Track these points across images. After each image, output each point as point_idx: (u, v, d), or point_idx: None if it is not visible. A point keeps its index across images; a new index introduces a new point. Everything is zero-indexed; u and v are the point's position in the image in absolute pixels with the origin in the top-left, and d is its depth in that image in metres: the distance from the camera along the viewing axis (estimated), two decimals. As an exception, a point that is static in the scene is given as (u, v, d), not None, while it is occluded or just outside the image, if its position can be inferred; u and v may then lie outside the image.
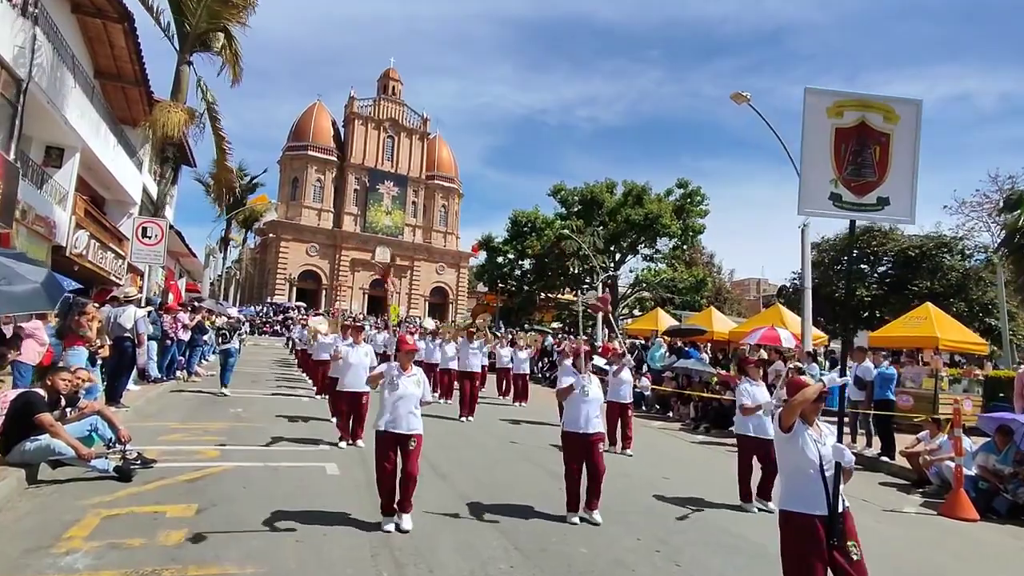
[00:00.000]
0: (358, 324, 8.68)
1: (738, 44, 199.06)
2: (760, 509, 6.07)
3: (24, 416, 5.28)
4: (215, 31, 13.54)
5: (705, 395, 12.65)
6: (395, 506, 4.74)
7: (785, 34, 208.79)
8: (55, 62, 12.50)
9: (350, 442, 7.56)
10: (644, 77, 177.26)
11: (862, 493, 7.61)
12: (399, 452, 4.78)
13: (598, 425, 5.40)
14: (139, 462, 5.80)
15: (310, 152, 58.58)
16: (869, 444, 9.93)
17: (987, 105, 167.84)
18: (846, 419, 9.04)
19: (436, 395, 13.62)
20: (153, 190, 21.08)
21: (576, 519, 5.19)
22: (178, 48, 13.78)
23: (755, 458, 6.16)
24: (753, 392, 6.40)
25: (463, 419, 10.60)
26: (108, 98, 17.49)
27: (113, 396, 8.45)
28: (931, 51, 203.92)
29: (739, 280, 77.09)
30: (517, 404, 13.07)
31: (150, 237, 11.34)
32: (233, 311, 21.10)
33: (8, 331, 6.47)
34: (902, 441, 9.39)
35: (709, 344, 17.82)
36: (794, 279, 31.49)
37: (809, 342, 12.29)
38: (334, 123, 61.60)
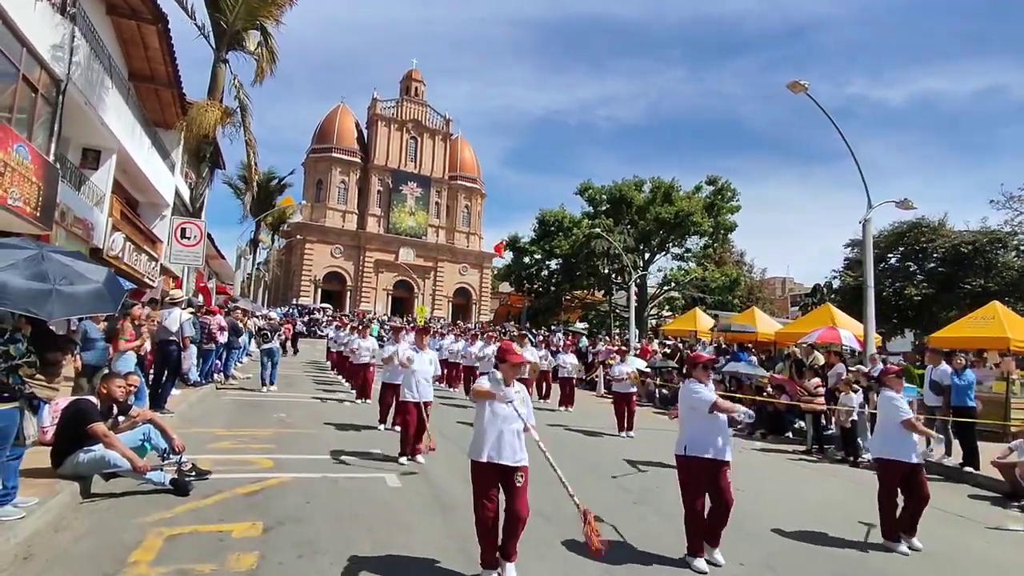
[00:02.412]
0: (424, 327, 8.06)
1: (758, 42, 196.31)
2: (910, 548, 5.10)
3: (77, 425, 4.97)
4: (251, 29, 13.32)
5: (759, 399, 12.07)
6: (497, 553, 3.82)
7: (807, 31, 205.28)
8: (92, 63, 12.39)
9: (410, 457, 6.95)
10: (663, 76, 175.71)
11: (954, 507, 7.04)
12: (501, 488, 3.84)
13: (729, 450, 4.48)
14: (194, 474, 5.48)
15: (334, 154, 58.72)
16: (948, 453, 9.29)
17: (1021, 98, 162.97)
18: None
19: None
20: (185, 192, 21.09)
21: (703, 564, 4.30)
22: (214, 46, 13.58)
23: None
24: (905, 406, 5.43)
25: None
26: (141, 100, 17.46)
27: (158, 401, 8.19)
28: (959, 45, 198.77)
29: (765, 279, 75.55)
30: (563, 409, 12.53)
31: (189, 238, 11.14)
32: (274, 313, 20.93)
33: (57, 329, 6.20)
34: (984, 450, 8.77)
35: (751, 344, 17.19)
36: (833, 276, 30.62)
37: (872, 344, 11.64)
38: (357, 125, 61.69)
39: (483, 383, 4.01)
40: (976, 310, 16.94)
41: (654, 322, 39.04)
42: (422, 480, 6.22)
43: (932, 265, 23.73)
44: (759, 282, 51.22)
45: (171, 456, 5.47)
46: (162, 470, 5.19)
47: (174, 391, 9.96)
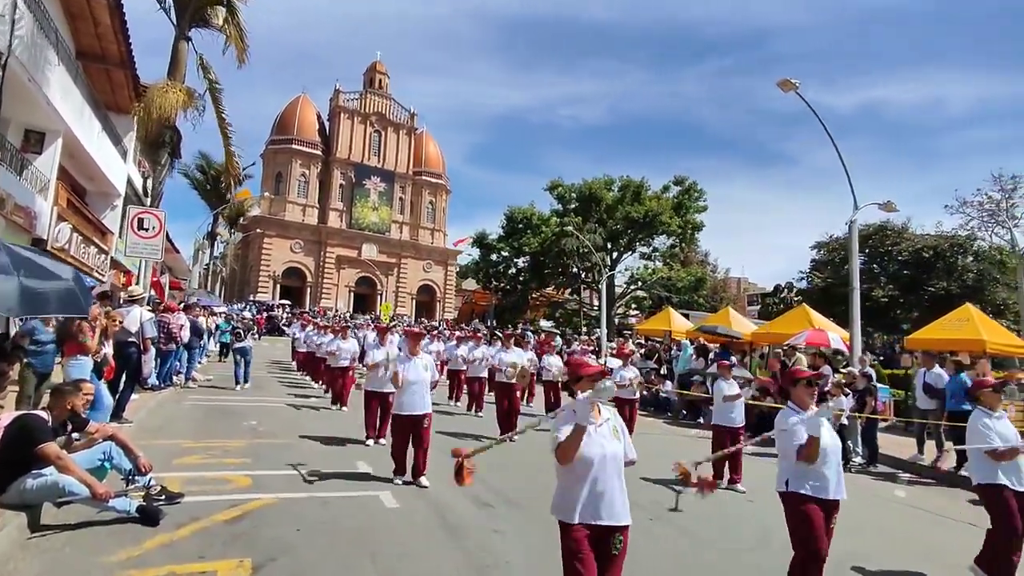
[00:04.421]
0: (416, 330, 6.90)
1: (723, 46, 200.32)
2: None
3: (24, 446, 4.23)
4: (215, 5, 12.36)
5: (747, 402, 11.87)
6: None
7: (769, 36, 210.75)
8: (37, 37, 11.28)
9: (409, 479, 6.14)
10: (629, 77, 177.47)
11: (962, 515, 6.93)
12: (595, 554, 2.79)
13: (843, 487, 3.62)
14: (164, 497, 4.81)
15: (294, 146, 56.84)
16: (939, 456, 9.23)
17: (960, 109, 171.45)
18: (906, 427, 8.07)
19: (453, 401, 12.62)
20: (138, 181, 19.76)
21: None
22: (175, 22, 12.57)
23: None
24: (996, 426, 4.47)
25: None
26: (91, 81, 16.17)
27: (116, 409, 7.35)
28: (909, 55, 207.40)
29: (727, 279, 76.68)
30: (551, 415, 11.87)
31: (147, 229, 10.20)
32: (247, 312, 19.80)
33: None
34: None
35: (719, 345, 17.11)
36: (800, 277, 31.16)
37: (858, 346, 11.60)
38: (319, 116, 59.95)
39: (563, 429, 2.81)
40: (938, 312, 17.29)
41: (616, 320, 39.08)
42: (420, 498, 5.66)
43: (896, 268, 24.33)
44: (722, 282, 52.10)
45: (137, 478, 4.77)
46: (127, 495, 4.50)
47: (133, 396, 9.13)
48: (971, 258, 23.79)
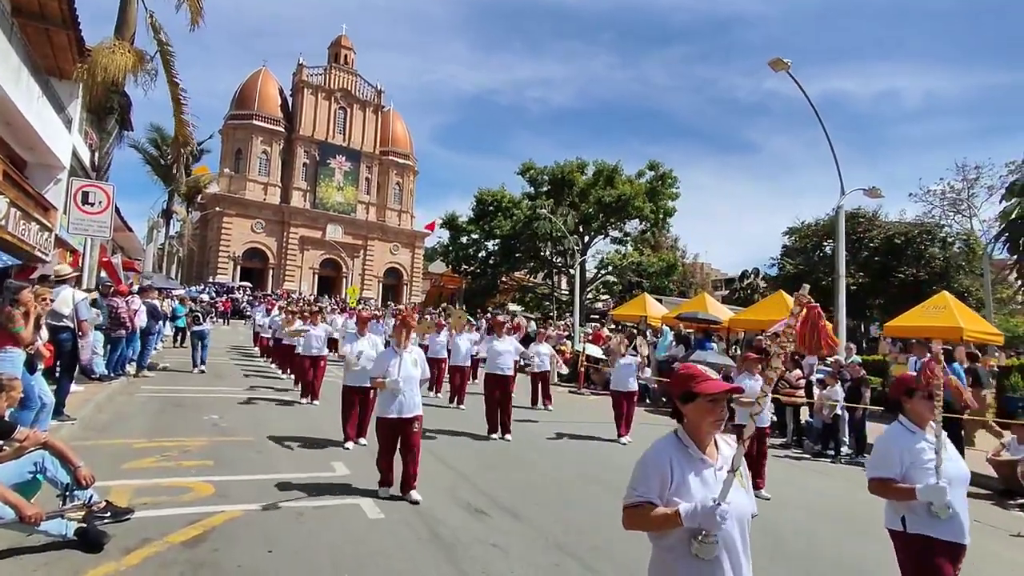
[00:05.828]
0: (411, 322, 5.75)
1: (687, 32, 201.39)
2: None
3: (-67, 460, 3.51)
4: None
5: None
6: None
7: (733, 25, 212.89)
8: (-37, -14, 10.08)
9: (396, 492, 5.28)
10: (596, 61, 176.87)
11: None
12: None
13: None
14: (108, 514, 4.11)
15: (255, 121, 54.57)
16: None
17: (913, 102, 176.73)
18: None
19: (434, 392, 12.05)
20: (84, 154, 18.36)
21: None
22: (123, -25, 11.43)
23: None
24: None
25: (494, 437, 8.25)
26: (29, 43, 14.76)
27: (55, 407, 6.53)
28: (869, 48, 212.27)
29: (690, 265, 77.24)
30: (543, 407, 11.29)
31: (93, 204, 9.23)
32: (205, 295, 18.79)
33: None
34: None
35: (696, 331, 16.93)
36: (773, 264, 31.43)
37: (843, 334, 11.45)
38: (281, 91, 57.68)
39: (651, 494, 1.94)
40: (906, 298, 17.45)
41: (586, 305, 38.89)
42: (407, 506, 5.09)
43: (867, 255, 24.65)
44: (692, 267, 52.53)
45: (76, 493, 4.05)
46: (63, 516, 3.80)
47: (77, 387, 8.28)
48: (938, 245, 24.25)
